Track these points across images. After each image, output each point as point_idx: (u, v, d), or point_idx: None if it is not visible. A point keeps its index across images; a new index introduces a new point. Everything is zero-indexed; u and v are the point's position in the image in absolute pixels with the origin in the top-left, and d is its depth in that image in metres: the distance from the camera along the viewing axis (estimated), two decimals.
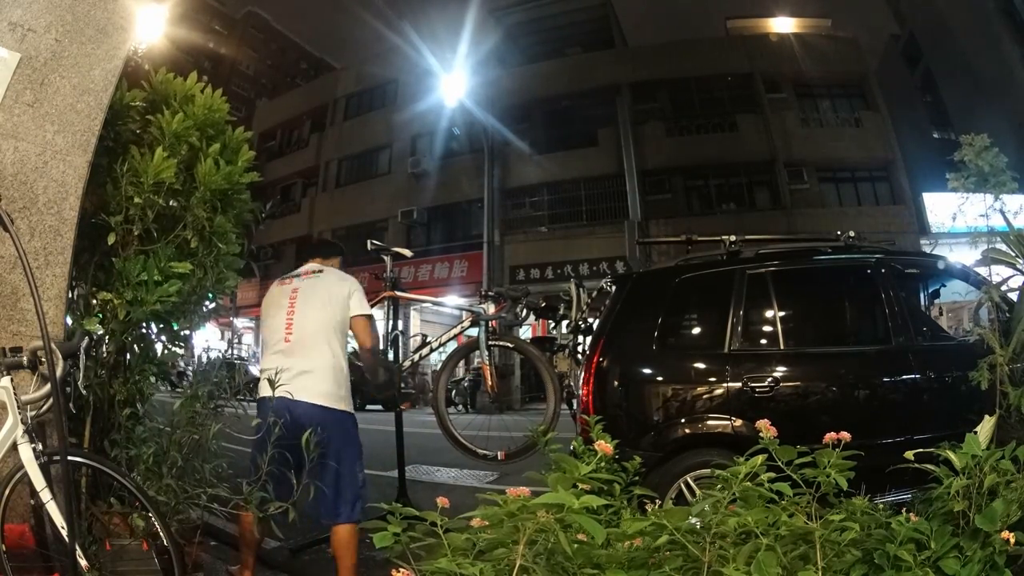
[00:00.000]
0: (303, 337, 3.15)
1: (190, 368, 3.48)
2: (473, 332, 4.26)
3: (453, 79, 19.09)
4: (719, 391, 3.54)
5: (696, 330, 4.08)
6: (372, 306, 4.61)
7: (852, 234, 4.06)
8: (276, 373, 2.97)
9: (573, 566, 1.50)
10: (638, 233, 19.20)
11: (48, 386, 2.38)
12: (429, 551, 1.54)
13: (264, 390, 3.01)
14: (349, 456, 3.09)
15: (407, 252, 4.83)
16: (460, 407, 18.34)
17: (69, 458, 2.38)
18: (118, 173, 3.02)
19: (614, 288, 3.98)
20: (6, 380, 2.35)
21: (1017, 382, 2.57)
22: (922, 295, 4.40)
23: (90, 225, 2.96)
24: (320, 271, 3.40)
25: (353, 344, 3.42)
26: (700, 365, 3.73)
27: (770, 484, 1.66)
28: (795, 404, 3.51)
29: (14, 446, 2.31)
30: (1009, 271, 2.91)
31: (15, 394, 2.34)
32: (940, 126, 21.25)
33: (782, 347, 3.71)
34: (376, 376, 3.62)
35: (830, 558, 1.64)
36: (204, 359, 3.38)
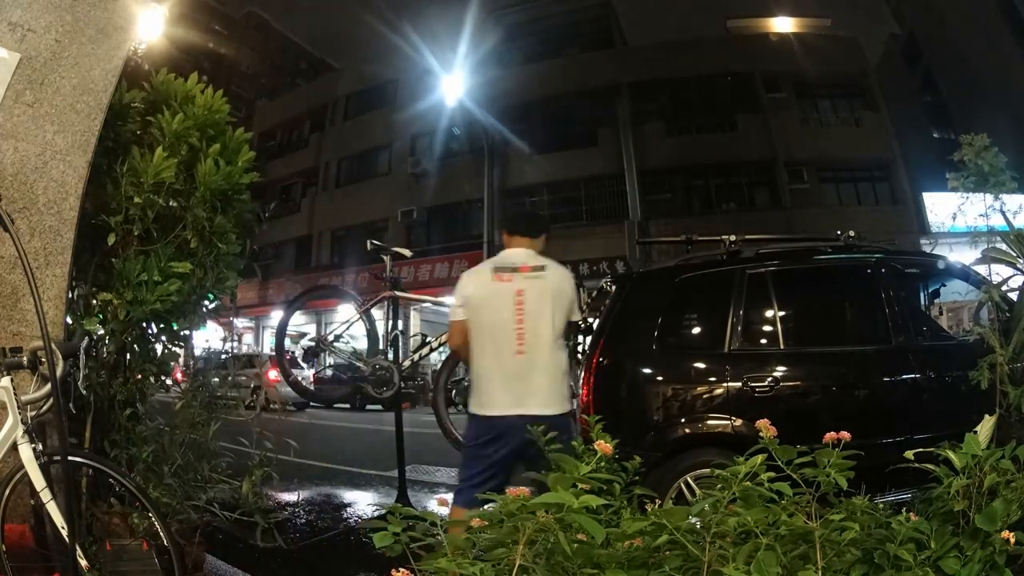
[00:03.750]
0: (537, 348, 2.90)
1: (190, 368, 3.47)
2: None
3: (453, 79, 19.08)
4: (719, 391, 3.54)
5: (696, 330, 4.07)
6: (371, 306, 4.62)
7: (852, 234, 4.05)
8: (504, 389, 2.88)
9: (573, 566, 1.50)
10: (638, 233, 19.20)
11: (48, 386, 2.38)
12: (429, 551, 1.55)
13: (489, 407, 2.90)
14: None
15: (407, 252, 4.84)
16: (460, 407, 18.32)
17: (69, 458, 2.38)
18: (118, 173, 3.02)
19: (614, 288, 3.98)
20: (6, 380, 2.35)
21: (1017, 381, 2.57)
22: (922, 295, 4.40)
23: (90, 225, 2.97)
24: (543, 268, 3.01)
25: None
26: (700, 365, 3.73)
27: (770, 484, 1.66)
28: (795, 404, 3.51)
29: (14, 446, 2.31)
30: (1009, 271, 2.91)
31: (15, 394, 2.34)
32: (940, 126, 21.24)
33: (782, 347, 3.71)
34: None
35: (830, 558, 1.64)
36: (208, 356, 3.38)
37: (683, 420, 3.55)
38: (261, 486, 3.06)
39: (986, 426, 2.21)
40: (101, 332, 3.03)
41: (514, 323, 2.88)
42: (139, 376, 3.16)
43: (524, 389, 2.86)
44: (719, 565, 1.51)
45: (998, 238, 2.83)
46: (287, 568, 3.71)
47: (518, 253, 3.05)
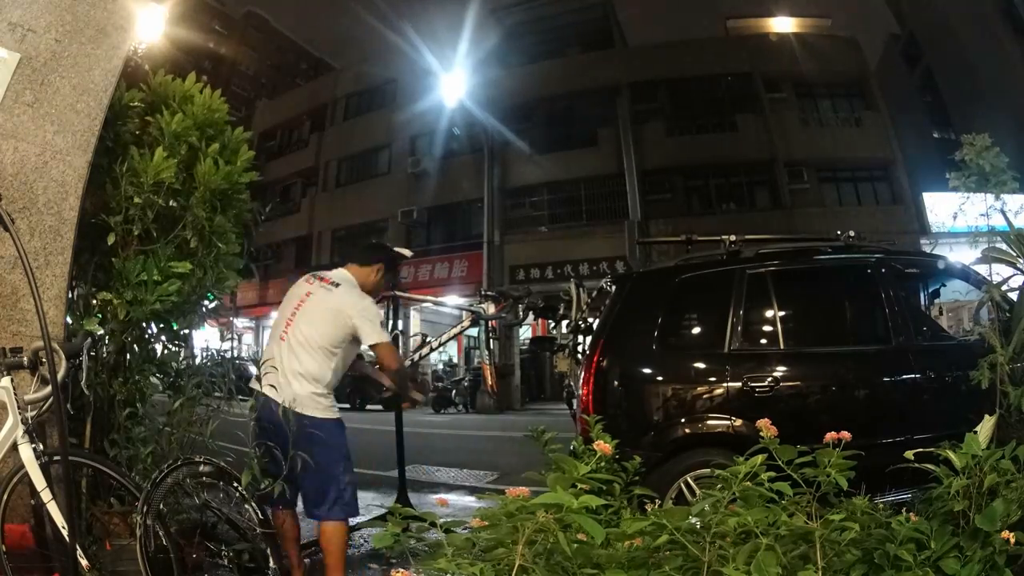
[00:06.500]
0: (294, 344, 3.09)
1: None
2: (473, 332, 4.26)
3: (453, 79, 19.11)
4: (719, 391, 3.53)
5: (696, 330, 4.07)
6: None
7: (852, 234, 4.05)
8: (263, 368, 3.06)
9: (573, 566, 1.50)
10: (638, 233, 19.18)
11: (48, 387, 2.38)
12: (429, 551, 1.55)
13: (256, 383, 3.09)
14: (326, 460, 3.04)
15: (407, 252, 4.83)
16: (460, 407, 18.34)
17: (69, 458, 2.38)
18: (118, 173, 3.02)
19: (614, 288, 3.98)
20: (6, 380, 2.35)
21: (1017, 382, 2.57)
22: (922, 295, 4.40)
23: (90, 225, 2.97)
24: (337, 284, 3.20)
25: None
26: (700, 365, 3.73)
27: (770, 484, 1.66)
28: (795, 404, 3.51)
29: (14, 446, 2.31)
30: (1009, 270, 2.91)
31: (15, 394, 2.34)
32: (940, 126, 21.24)
33: (782, 347, 3.71)
34: (405, 391, 3.57)
35: (830, 558, 1.64)
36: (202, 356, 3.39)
37: (683, 420, 3.55)
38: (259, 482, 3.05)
39: (986, 426, 2.22)
40: (101, 332, 3.03)
41: (289, 314, 3.16)
42: (139, 376, 3.16)
43: (279, 373, 3.06)
44: (719, 565, 1.51)
45: (998, 238, 2.83)
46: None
47: (334, 271, 3.29)
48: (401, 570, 1.43)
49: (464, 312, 4.41)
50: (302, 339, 3.08)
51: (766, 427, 1.79)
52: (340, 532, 3.05)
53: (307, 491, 3.07)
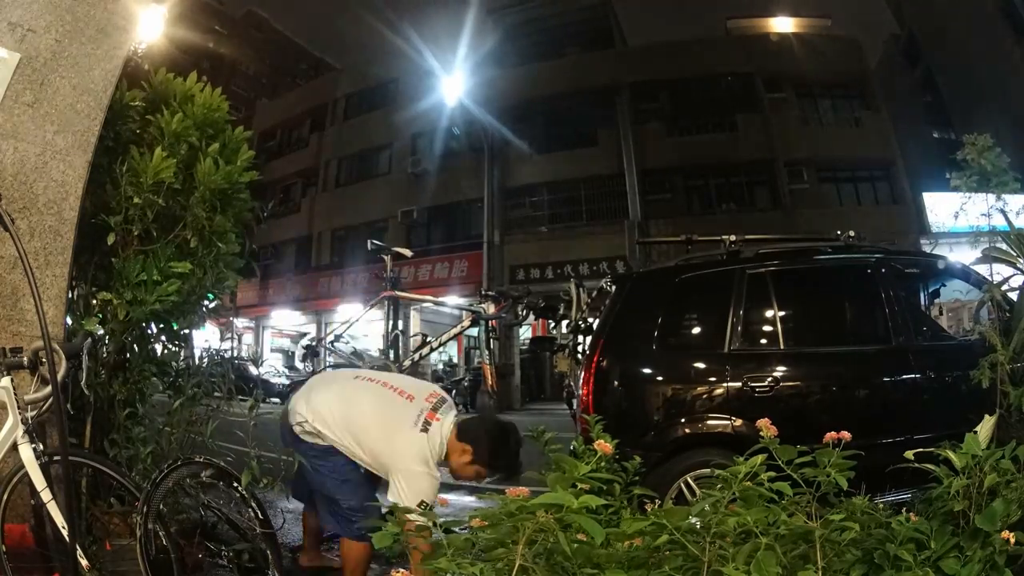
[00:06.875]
0: (349, 399, 2.96)
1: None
2: (473, 332, 4.26)
3: (453, 79, 19.11)
4: (719, 391, 3.53)
5: (696, 330, 4.07)
6: (372, 306, 4.62)
7: (852, 234, 4.05)
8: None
9: (573, 566, 1.50)
10: (638, 233, 19.17)
11: (48, 386, 2.38)
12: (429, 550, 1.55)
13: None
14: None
15: (407, 252, 4.84)
16: (460, 407, 18.30)
17: (69, 458, 2.38)
18: (118, 173, 3.02)
19: (614, 288, 3.98)
20: (6, 380, 2.35)
21: (1017, 381, 2.57)
22: (922, 295, 4.40)
23: (90, 225, 2.96)
24: (426, 430, 2.82)
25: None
26: (700, 365, 3.73)
27: (770, 484, 1.66)
28: (795, 404, 3.51)
29: (14, 446, 2.31)
30: (1010, 270, 2.91)
31: (15, 394, 2.34)
32: (940, 126, 21.25)
33: (782, 347, 3.71)
34: None
35: (830, 558, 1.64)
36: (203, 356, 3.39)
37: (683, 420, 3.55)
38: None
39: (986, 426, 2.22)
40: (101, 332, 3.03)
41: (381, 379, 3.09)
42: (139, 376, 3.16)
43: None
44: (719, 565, 1.51)
45: (999, 238, 2.84)
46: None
47: (439, 424, 2.88)
48: (401, 570, 1.44)
49: (464, 312, 4.41)
50: (351, 413, 2.90)
51: (766, 427, 1.79)
52: (356, 550, 2.93)
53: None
